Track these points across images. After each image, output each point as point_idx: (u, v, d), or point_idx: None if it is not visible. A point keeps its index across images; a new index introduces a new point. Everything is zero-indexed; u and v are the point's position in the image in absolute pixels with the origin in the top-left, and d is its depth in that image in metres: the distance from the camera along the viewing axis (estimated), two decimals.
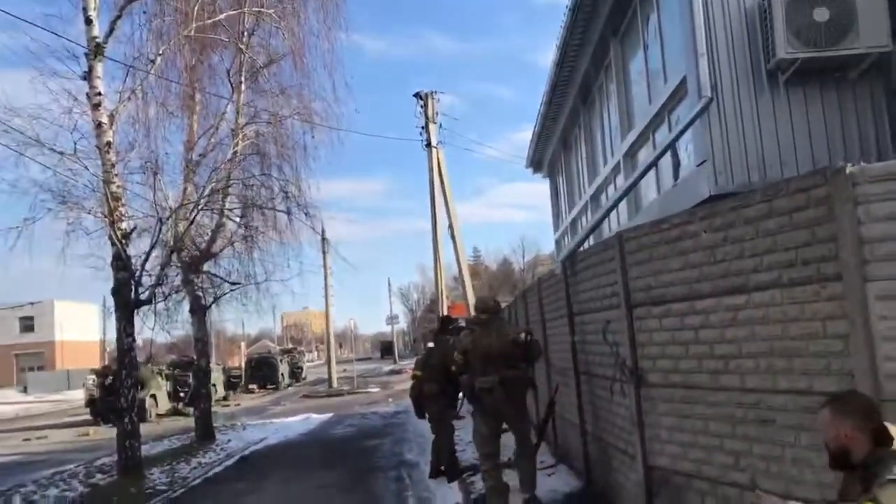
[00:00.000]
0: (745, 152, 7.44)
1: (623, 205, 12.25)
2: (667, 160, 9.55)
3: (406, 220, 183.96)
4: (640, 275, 5.74)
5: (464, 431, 13.28)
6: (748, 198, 4.60)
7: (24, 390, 57.84)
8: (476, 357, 7.67)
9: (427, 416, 10.75)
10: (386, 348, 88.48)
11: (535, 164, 21.87)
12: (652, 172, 10.48)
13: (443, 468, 10.39)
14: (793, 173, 7.11)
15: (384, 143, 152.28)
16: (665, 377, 5.53)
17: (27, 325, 69.07)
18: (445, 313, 15.96)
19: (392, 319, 66.58)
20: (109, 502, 10.43)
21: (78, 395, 44.53)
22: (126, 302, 12.57)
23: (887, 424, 3.07)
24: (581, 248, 7.70)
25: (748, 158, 7.43)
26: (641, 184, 11.08)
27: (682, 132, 7.60)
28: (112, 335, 64.78)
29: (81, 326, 72.30)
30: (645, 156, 10.35)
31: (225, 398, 33.78)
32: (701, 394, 5.09)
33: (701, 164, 7.68)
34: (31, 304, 49.64)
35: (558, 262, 8.41)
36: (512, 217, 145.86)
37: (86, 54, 12.53)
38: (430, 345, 11.91)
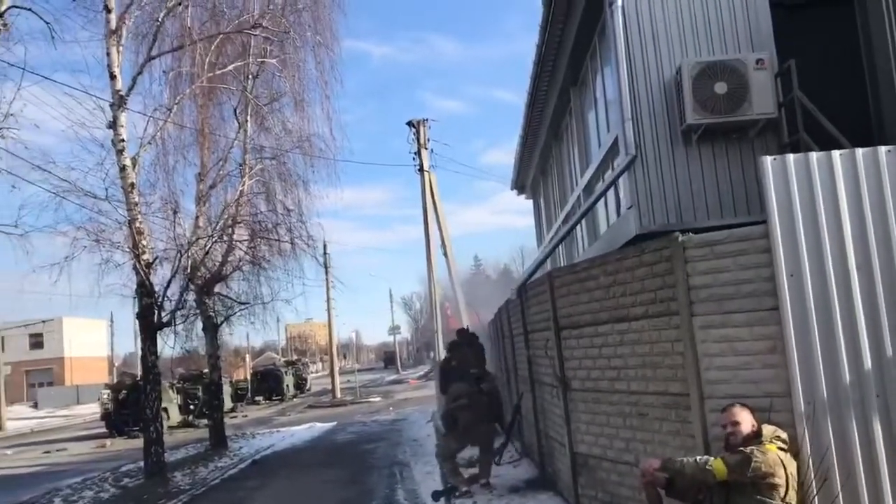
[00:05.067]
0: (664, 199, 9.02)
1: (586, 230, 13.99)
2: (614, 196, 11.22)
3: (408, 227, 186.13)
4: (563, 305, 7.49)
5: None
6: (627, 252, 6.32)
7: (35, 406, 59.13)
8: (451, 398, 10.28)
9: None
10: (389, 358, 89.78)
11: (519, 187, 23.56)
12: (604, 206, 12.22)
13: None
14: (703, 216, 8.79)
15: (385, 153, 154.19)
16: (582, 383, 7.26)
17: (36, 341, 70.08)
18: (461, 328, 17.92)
19: (394, 330, 68.05)
20: (142, 500, 12.02)
21: (88, 410, 46.17)
22: (150, 324, 14.26)
23: (763, 426, 4.83)
24: (531, 279, 9.41)
25: (667, 203, 9.02)
26: (600, 213, 12.80)
27: (611, 183, 9.31)
28: (119, 350, 66.33)
29: (89, 342, 73.80)
30: (597, 192, 12.00)
31: (232, 410, 35.17)
32: (604, 395, 6.82)
33: (630, 207, 9.34)
34: (43, 321, 51.29)
35: (514, 290, 10.12)
36: (514, 223, 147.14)
37: (111, 105, 14.23)
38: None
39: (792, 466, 4.74)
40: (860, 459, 5.00)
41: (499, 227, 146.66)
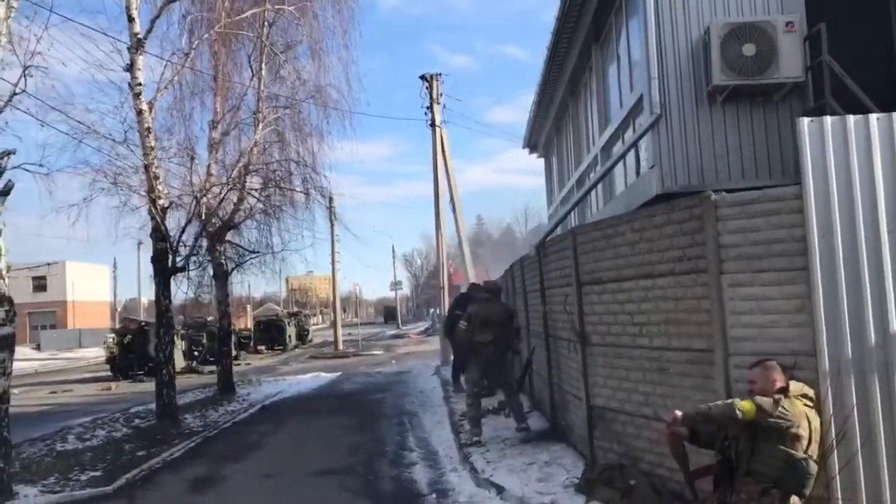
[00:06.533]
0: (687, 159, 9.06)
1: (601, 190, 14.01)
2: (634, 156, 11.24)
3: (412, 183, 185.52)
4: (586, 261, 7.58)
5: None
6: (656, 210, 6.38)
7: (38, 348, 59.57)
8: (477, 321, 10.20)
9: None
10: (389, 313, 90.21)
11: (532, 145, 23.51)
12: (622, 166, 12.24)
13: None
14: (724, 178, 8.84)
15: (390, 107, 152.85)
16: (602, 338, 7.38)
17: (39, 284, 70.55)
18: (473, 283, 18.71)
19: (395, 285, 68.35)
20: (155, 440, 12.16)
21: (90, 353, 46.63)
22: (164, 268, 14.33)
23: (790, 382, 4.92)
24: (550, 236, 9.49)
25: (689, 164, 9.07)
26: (616, 173, 12.81)
27: (634, 143, 9.34)
28: (122, 296, 66.66)
29: (92, 287, 74.30)
30: (617, 152, 12.02)
31: (236, 358, 35.43)
32: (624, 351, 6.95)
33: (652, 167, 9.37)
34: (48, 265, 51.45)
35: (533, 247, 10.21)
36: (517, 183, 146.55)
37: (128, 48, 14.14)
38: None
39: (816, 421, 4.86)
40: (881, 419, 5.12)
41: (501, 186, 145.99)
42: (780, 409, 4.69)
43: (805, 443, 4.77)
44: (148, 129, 14.14)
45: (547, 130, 21.04)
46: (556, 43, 14.36)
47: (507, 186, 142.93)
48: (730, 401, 4.88)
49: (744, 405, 4.73)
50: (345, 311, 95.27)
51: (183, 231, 14.60)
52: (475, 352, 10.28)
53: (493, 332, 10.17)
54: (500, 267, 22.27)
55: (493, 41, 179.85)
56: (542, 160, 23.80)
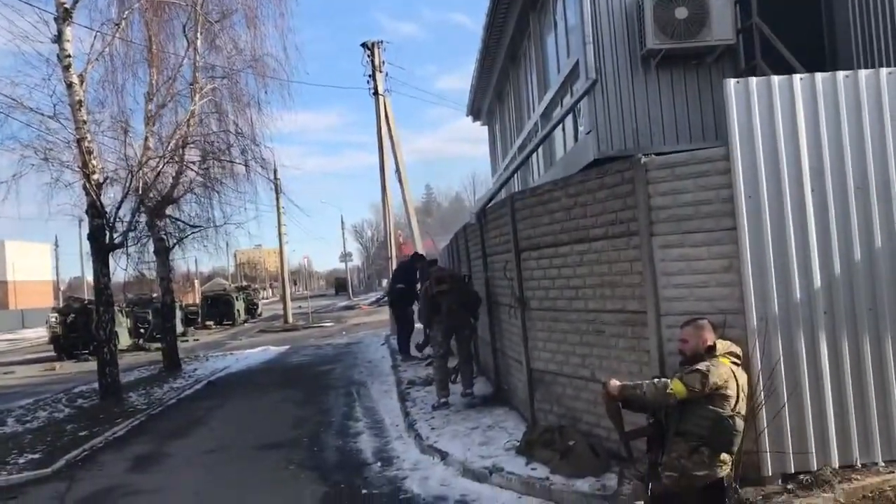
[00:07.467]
0: (623, 124, 9.15)
1: (542, 156, 14.07)
2: (573, 122, 11.29)
3: (361, 153, 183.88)
4: (524, 227, 7.62)
5: None
6: (589, 174, 6.43)
7: None
8: (433, 281, 10.44)
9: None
10: (341, 285, 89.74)
11: (475, 112, 23.44)
12: (561, 132, 12.28)
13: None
14: (659, 142, 8.94)
15: (336, 76, 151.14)
16: (540, 303, 7.45)
17: None
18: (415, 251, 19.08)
19: (346, 257, 67.95)
20: (98, 419, 11.96)
21: (34, 334, 45.56)
22: (101, 246, 14.01)
23: (718, 341, 5.00)
24: (490, 203, 9.51)
25: (625, 129, 9.16)
26: (556, 139, 12.87)
27: (571, 108, 9.37)
28: (66, 274, 65.06)
29: (33, 266, 72.41)
30: (556, 117, 12.06)
31: (183, 334, 34.89)
32: (562, 314, 7.03)
33: (588, 132, 9.43)
34: None
35: (473, 214, 10.22)
36: (467, 152, 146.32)
37: (55, 19, 13.65)
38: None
39: (743, 379, 4.96)
40: (806, 373, 5.28)
41: (451, 155, 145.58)
42: (711, 379, 4.74)
43: (732, 401, 4.85)
44: (79, 102, 13.73)
45: (489, 98, 21.01)
46: (494, 9, 14.28)
47: (457, 155, 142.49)
48: (662, 382, 4.84)
49: (676, 388, 4.74)
50: (295, 283, 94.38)
51: (119, 206, 14.25)
52: (436, 307, 10.28)
53: (448, 284, 10.29)
54: (448, 237, 22.32)
55: (440, 8, 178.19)
56: (486, 128, 23.79)
